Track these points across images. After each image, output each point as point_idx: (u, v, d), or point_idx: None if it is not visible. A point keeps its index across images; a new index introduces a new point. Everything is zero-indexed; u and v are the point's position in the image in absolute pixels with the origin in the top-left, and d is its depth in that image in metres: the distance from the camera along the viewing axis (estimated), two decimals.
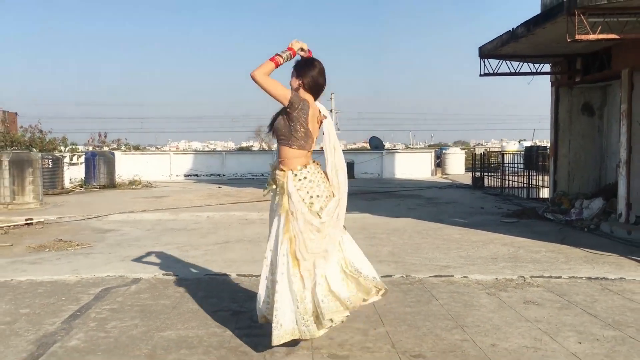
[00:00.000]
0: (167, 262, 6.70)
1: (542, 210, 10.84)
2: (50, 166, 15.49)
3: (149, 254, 7.19)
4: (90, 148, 29.29)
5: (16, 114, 30.18)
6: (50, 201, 13.44)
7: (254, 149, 52.30)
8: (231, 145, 73.27)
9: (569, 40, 6.78)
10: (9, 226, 9.50)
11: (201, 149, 50.38)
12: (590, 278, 5.79)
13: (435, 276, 5.87)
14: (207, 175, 24.23)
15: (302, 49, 3.80)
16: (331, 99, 55.00)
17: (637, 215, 8.91)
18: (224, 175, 24.20)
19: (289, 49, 3.74)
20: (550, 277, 5.84)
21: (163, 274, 5.97)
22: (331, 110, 54.91)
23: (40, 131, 23.40)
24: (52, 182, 15.65)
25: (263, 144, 76.94)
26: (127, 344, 3.93)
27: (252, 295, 5.07)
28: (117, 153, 22.28)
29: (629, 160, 8.94)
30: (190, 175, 24.30)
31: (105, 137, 31.75)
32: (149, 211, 11.63)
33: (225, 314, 4.62)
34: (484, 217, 10.79)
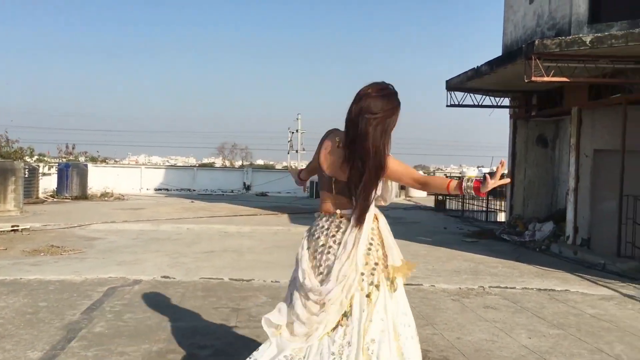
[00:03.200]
0: (161, 266, 7.27)
1: (500, 231, 11.80)
2: (26, 176, 15.68)
3: (141, 259, 7.74)
4: (58, 159, 29.26)
5: None
6: (29, 210, 13.71)
7: (216, 165, 52.42)
8: (192, 161, 73.27)
9: (526, 80, 7.76)
10: None
11: (161, 164, 50.15)
12: (540, 289, 6.65)
13: (406, 285, 6.58)
14: (177, 189, 24.30)
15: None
16: (298, 119, 55.93)
17: (583, 238, 9.90)
18: (194, 190, 24.38)
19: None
20: (506, 287, 6.68)
21: (161, 277, 6.55)
22: (297, 130, 55.76)
23: (7, 140, 23.43)
24: (28, 191, 15.84)
25: (225, 161, 77.18)
26: (146, 331, 4.52)
27: (245, 296, 5.75)
28: (89, 165, 22.40)
29: (576, 189, 9.96)
30: (161, 189, 24.41)
31: (73, 148, 31.83)
32: (130, 222, 12.08)
33: (225, 310, 5.25)
34: (447, 236, 11.66)
